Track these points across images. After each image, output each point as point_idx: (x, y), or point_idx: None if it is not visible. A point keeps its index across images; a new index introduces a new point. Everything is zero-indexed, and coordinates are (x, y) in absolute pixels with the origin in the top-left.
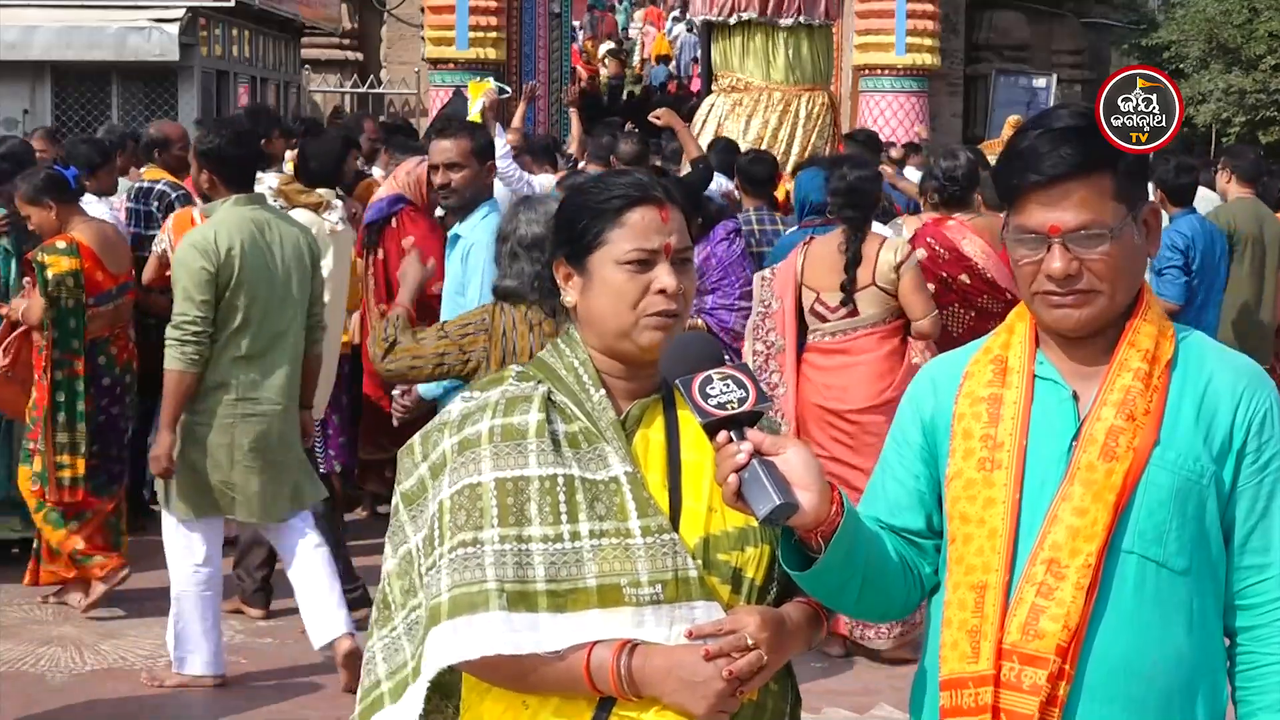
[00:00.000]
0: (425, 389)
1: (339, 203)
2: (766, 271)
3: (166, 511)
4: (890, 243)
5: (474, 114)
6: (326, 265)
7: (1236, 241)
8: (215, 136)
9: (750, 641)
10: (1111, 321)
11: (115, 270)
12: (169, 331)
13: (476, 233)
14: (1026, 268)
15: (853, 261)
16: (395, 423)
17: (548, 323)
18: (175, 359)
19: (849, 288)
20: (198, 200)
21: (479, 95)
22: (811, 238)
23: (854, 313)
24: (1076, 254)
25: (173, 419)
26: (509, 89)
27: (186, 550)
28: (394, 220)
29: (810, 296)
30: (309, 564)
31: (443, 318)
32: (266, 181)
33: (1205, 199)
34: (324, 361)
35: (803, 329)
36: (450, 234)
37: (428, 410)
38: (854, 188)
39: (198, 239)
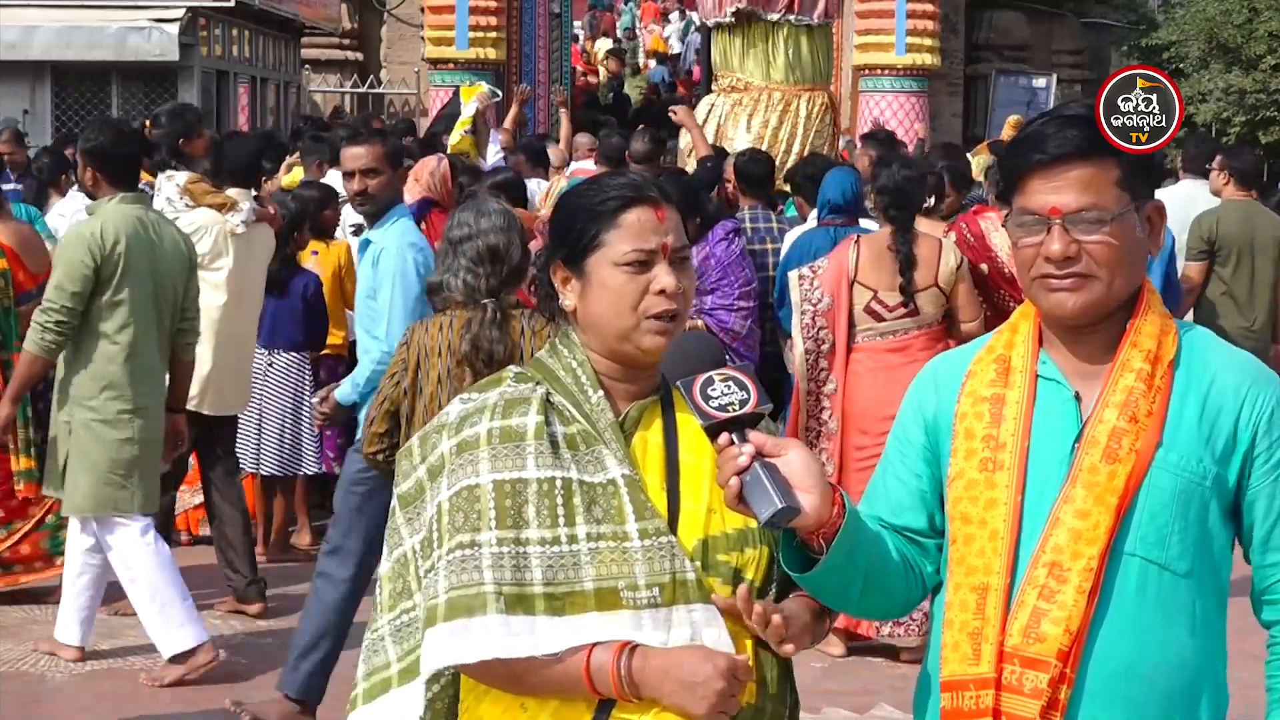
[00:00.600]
0: (341, 394)
1: (246, 204)
2: (805, 270)
3: (91, 519)
4: (948, 244)
5: (466, 117)
6: (226, 265)
7: (1219, 247)
8: (99, 135)
9: (777, 619)
10: (1108, 314)
11: (35, 270)
12: (35, 315)
13: (388, 238)
14: (1026, 251)
15: (907, 263)
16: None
17: (459, 319)
18: (33, 343)
19: (908, 289)
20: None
21: (470, 98)
22: (857, 236)
23: (914, 312)
24: (1076, 237)
25: (16, 396)
26: (500, 92)
27: (134, 538)
28: (423, 223)
29: (866, 295)
30: (149, 568)
31: (356, 322)
32: (175, 179)
33: (1204, 199)
34: (236, 363)
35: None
36: (361, 239)
37: (347, 415)
38: (901, 188)
39: (85, 232)
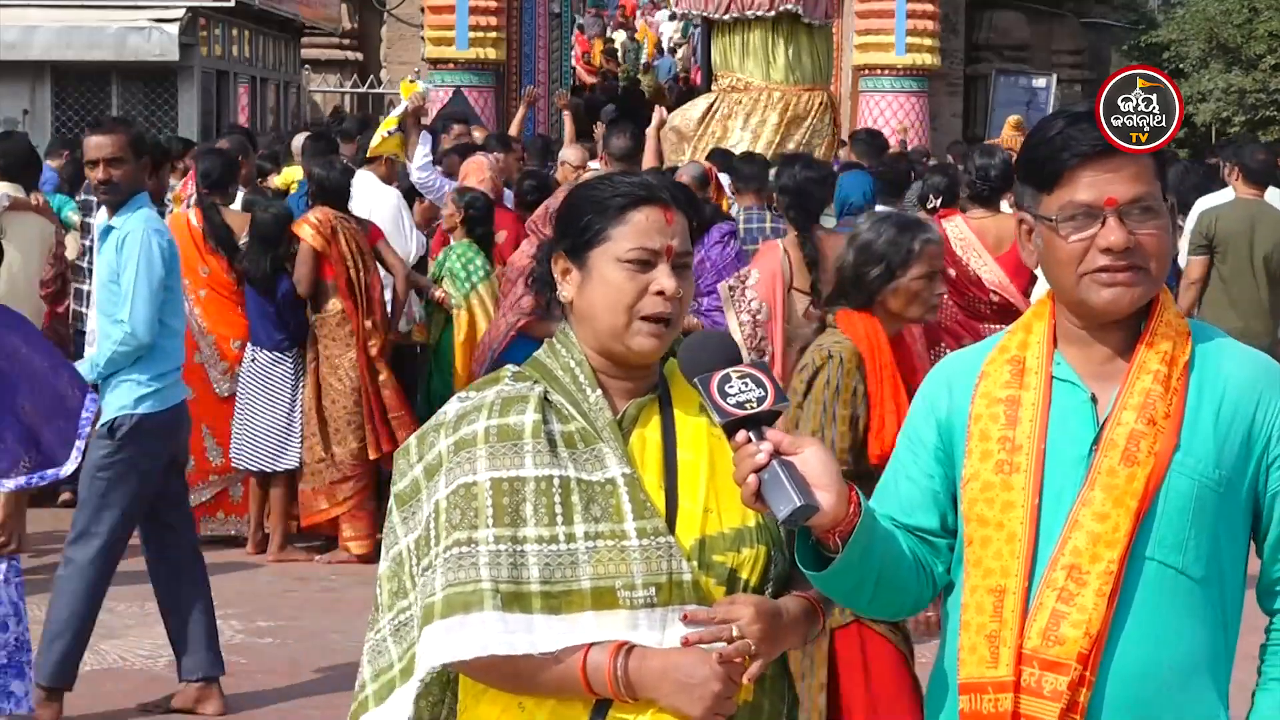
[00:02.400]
0: (84, 369)
1: (2, 196)
2: (732, 280)
3: None
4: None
5: (392, 117)
6: None
7: (1218, 244)
8: None
9: (736, 632)
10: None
11: None
12: None
13: (131, 223)
14: (1076, 246)
15: (813, 263)
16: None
17: None
18: None
19: (817, 286)
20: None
21: (407, 96)
22: (783, 244)
23: None
24: (1131, 228)
25: None
26: (432, 85)
27: None
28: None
29: (805, 300)
30: None
31: (94, 307)
32: None
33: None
34: None
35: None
36: (102, 227)
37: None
38: (802, 188)
39: None
